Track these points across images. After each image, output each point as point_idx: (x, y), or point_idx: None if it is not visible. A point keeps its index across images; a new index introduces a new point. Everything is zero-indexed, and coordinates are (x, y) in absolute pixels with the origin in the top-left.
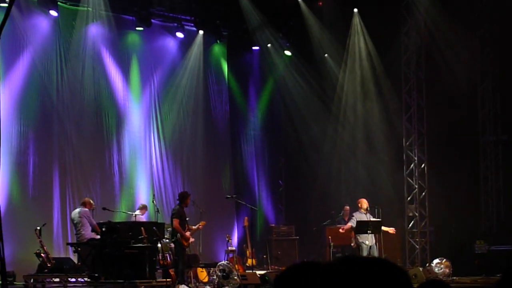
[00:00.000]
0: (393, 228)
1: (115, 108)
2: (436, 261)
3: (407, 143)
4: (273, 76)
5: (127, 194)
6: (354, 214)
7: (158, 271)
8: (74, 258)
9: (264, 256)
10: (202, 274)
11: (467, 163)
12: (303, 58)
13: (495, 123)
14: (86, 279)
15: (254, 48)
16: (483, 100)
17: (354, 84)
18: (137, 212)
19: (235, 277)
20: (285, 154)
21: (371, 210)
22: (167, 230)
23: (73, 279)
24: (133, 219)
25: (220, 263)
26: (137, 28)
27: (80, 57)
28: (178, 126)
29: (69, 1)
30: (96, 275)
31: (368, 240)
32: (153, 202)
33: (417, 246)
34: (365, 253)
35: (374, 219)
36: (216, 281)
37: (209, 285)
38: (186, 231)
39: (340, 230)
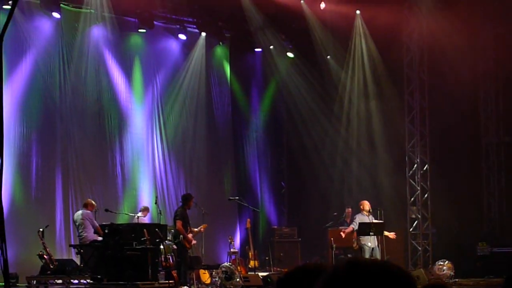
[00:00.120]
0: (393, 233)
1: (118, 110)
2: (438, 263)
3: (410, 145)
4: (275, 78)
5: (129, 195)
6: (356, 216)
7: (161, 272)
8: (77, 260)
9: (267, 258)
10: (205, 276)
11: (469, 165)
12: (305, 59)
13: (498, 125)
14: (88, 280)
15: (256, 50)
16: (485, 102)
17: (356, 85)
18: (139, 214)
19: (238, 279)
20: (287, 156)
21: (373, 212)
22: (170, 232)
23: (76, 281)
24: (135, 220)
25: (222, 264)
26: (139, 30)
27: (83, 59)
28: (181, 127)
29: (71, 3)
30: (98, 276)
31: (370, 242)
32: (155, 203)
33: (419, 248)
34: (367, 255)
35: (377, 221)
36: (218, 282)
37: (211, 287)
38: (188, 233)
39: (341, 234)
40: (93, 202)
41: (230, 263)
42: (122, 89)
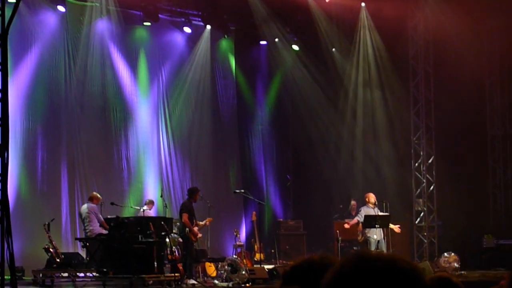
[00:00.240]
0: (398, 226)
1: (123, 103)
2: (444, 255)
3: (415, 137)
4: (280, 71)
5: (135, 189)
6: (361, 208)
7: (167, 265)
8: (83, 253)
9: (272, 251)
10: (210, 269)
11: (475, 157)
12: (310, 52)
13: (503, 117)
14: (94, 274)
15: (261, 42)
16: (491, 94)
17: (361, 78)
18: (145, 207)
19: (243, 272)
20: (293, 149)
21: (379, 205)
22: (175, 225)
23: (82, 274)
24: (141, 214)
25: (228, 257)
26: (144, 23)
27: (88, 52)
28: (186, 121)
29: None
30: (104, 270)
31: (376, 234)
32: (161, 197)
33: (425, 240)
34: (373, 248)
35: (382, 214)
36: (224, 275)
37: (217, 280)
38: (194, 226)
39: (346, 226)
40: (98, 196)
41: (236, 256)
42: (127, 83)
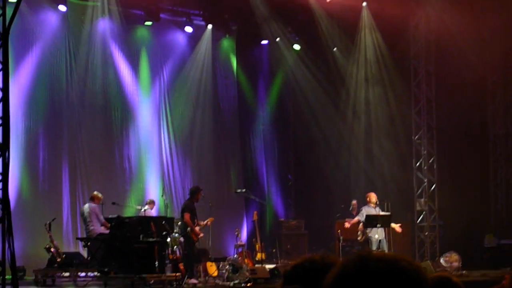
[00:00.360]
0: (399, 225)
1: (125, 102)
2: (445, 255)
3: (416, 137)
4: (282, 70)
5: (136, 188)
6: (363, 208)
7: (168, 265)
8: (84, 253)
9: (274, 250)
10: (212, 268)
11: (477, 157)
12: (312, 52)
13: (505, 116)
14: (95, 273)
15: (263, 42)
16: (492, 93)
17: (362, 78)
18: (146, 207)
19: (245, 271)
20: (294, 148)
21: (380, 204)
22: (177, 225)
23: (83, 274)
24: (142, 213)
25: (229, 257)
26: (146, 23)
27: (89, 52)
28: (187, 120)
29: None
30: (105, 269)
31: (377, 234)
32: (162, 196)
33: (426, 240)
34: (374, 247)
35: (384, 213)
36: (225, 275)
37: (218, 279)
38: (196, 226)
39: (346, 225)
40: (100, 195)
41: (237, 256)
42: (128, 82)
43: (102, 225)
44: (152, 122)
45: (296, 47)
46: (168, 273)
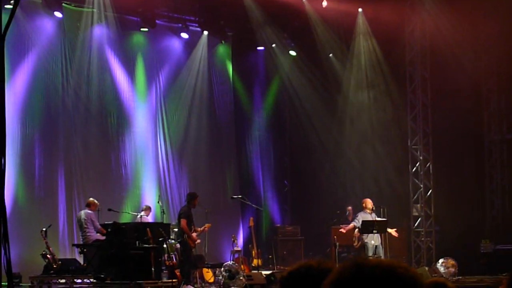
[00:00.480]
0: (395, 230)
1: (121, 109)
2: (441, 260)
3: (412, 143)
4: (277, 76)
5: (133, 195)
6: (358, 214)
7: (164, 271)
8: (80, 259)
9: (270, 256)
10: (208, 275)
11: (472, 162)
12: (307, 58)
13: (500, 122)
14: (92, 280)
15: (258, 48)
16: (488, 99)
17: (358, 83)
18: (142, 213)
19: (241, 277)
20: (290, 154)
21: (376, 210)
22: (173, 231)
23: (79, 280)
24: (138, 220)
25: (225, 263)
26: (141, 29)
27: (85, 58)
28: (184, 126)
29: (73, 2)
30: (102, 276)
31: (374, 239)
32: (158, 202)
33: (423, 246)
34: (370, 253)
35: (380, 219)
36: (221, 281)
37: (214, 286)
38: (193, 232)
39: (341, 230)
40: (96, 201)
41: (233, 262)
42: (125, 88)
43: (98, 231)
44: (148, 128)
45: (292, 53)
46: (165, 279)
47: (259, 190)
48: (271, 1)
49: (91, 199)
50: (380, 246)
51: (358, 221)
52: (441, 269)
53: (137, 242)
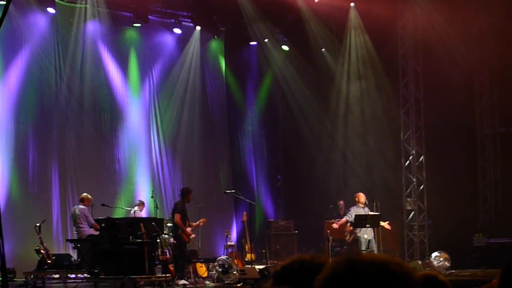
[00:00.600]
0: (387, 223)
1: (114, 104)
2: (434, 254)
3: (405, 137)
4: (270, 71)
5: (126, 190)
6: (351, 208)
7: (158, 266)
8: (74, 255)
9: (263, 251)
10: (202, 269)
11: (465, 156)
12: (300, 52)
13: (493, 116)
14: (85, 275)
15: (251, 43)
16: (480, 93)
17: (351, 78)
18: (135, 208)
19: (234, 272)
20: (283, 149)
21: (369, 204)
22: (166, 226)
23: (73, 275)
24: (132, 215)
25: (219, 258)
26: (134, 25)
27: (78, 54)
28: (177, 121)
29: None
30: (95, 271)
31: (367, 234)
32: (151, 197)
33: (416, 240)
34: (363, 247)
35: (373, 213)
36: (215, 276)
37: (208, 280)
38: (187, 227)
39: (334, 226)
40: (89, 196)
41: (227, 256)
42: (118, 84)
43: (92, 226)
44: (141, 123)
45: (285, 48)
46: (158, 274)
47: (252, 185)
48: None
49: (84, 194)
50: (373, 240)
51: (351, 215)
52: (435, 263)
53: (130, 237)
